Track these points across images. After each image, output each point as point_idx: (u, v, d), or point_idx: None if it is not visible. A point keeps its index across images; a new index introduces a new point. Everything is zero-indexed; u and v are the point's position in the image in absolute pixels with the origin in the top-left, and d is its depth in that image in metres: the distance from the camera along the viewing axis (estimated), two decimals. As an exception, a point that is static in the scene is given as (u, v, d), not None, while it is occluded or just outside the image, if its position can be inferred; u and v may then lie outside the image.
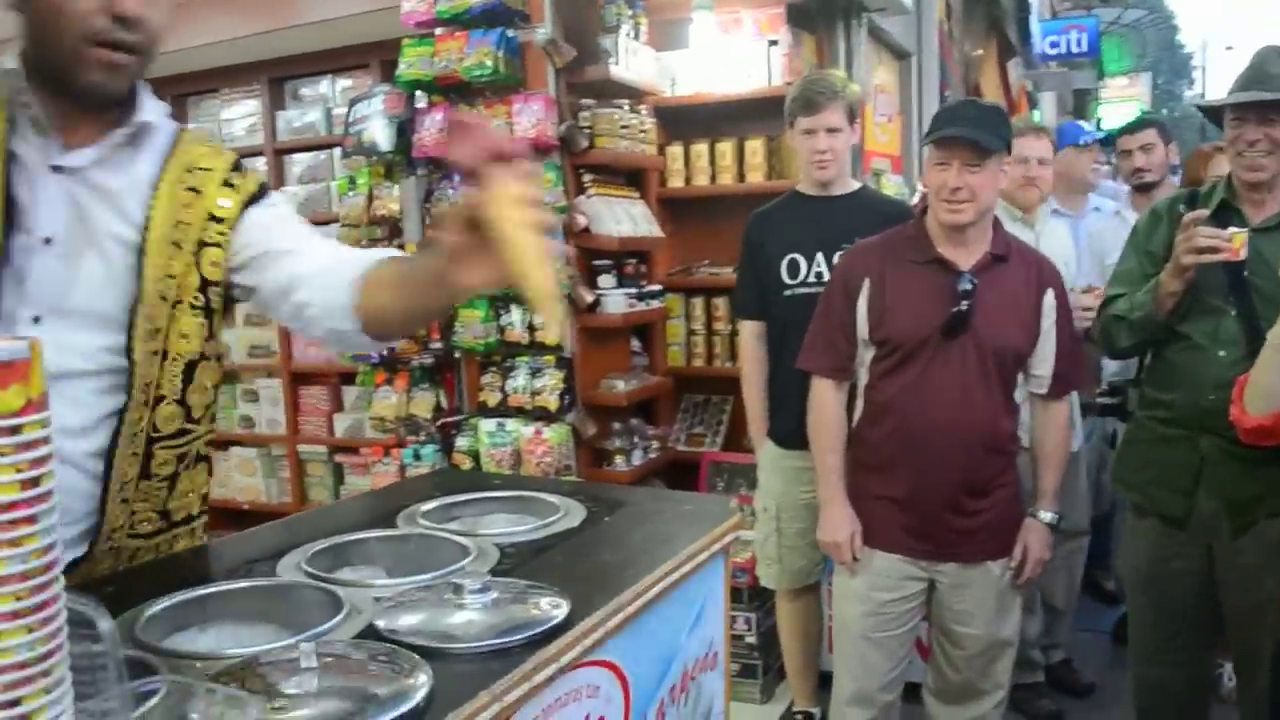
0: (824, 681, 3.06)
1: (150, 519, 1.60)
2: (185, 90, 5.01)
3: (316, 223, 4.64)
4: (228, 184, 1.59)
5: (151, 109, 1.51)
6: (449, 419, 3.74)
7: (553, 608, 1.32)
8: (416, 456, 3.73)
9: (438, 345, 3.72)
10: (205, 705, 0.97)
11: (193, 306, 1.54)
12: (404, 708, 1.05)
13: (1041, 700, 3.39)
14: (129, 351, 1.47)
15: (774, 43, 3.95)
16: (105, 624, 0.80)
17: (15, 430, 0.74)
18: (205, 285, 1.56)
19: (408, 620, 1.29)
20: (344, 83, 4.78)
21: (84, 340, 1.44)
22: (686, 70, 4.13)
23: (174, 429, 1.57)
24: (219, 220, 1.57)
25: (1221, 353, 2.30)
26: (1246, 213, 2.34)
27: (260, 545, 1.71)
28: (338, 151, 4.55)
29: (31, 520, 0.75)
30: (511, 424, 3.61)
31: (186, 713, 0.98)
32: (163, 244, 1.50)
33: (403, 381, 3.83)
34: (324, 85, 4.86)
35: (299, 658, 1.08)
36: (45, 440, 0.76)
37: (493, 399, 3.66)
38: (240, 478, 5.01)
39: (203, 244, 1.55)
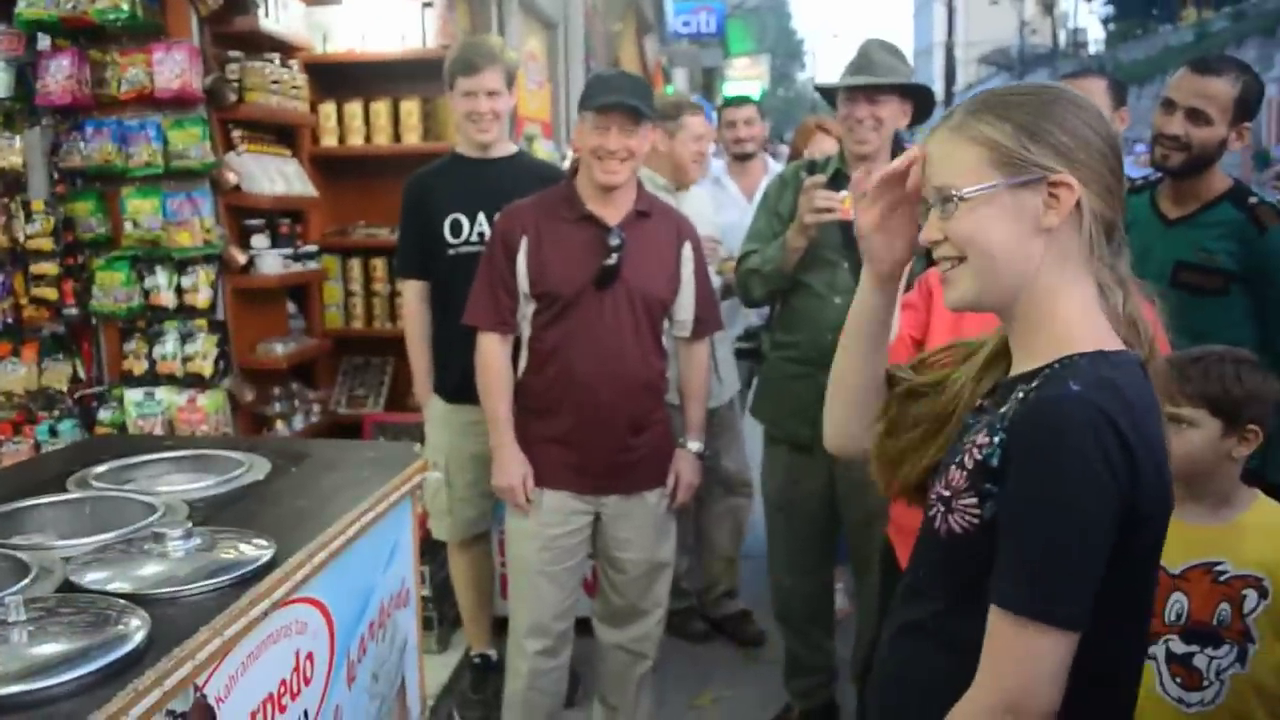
0: (498, 626, 3.23)
1: None
2: None
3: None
4: None
5: None
6: (88, 390, 3.49)
7: (259, 549, 1.36)
8: (53, 433, 3.44)
9: (71, 310, 3.45)
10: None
11: None
12: (124, 649, 1.07)
13: (693, 622, 3.76)
14: None
15: (428, 4, 3.98)
16: None
17: None
18: None
19: (107, 574, 1.28)
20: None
21: None
22: (339, 27, 4.06)
23: None
24: None
25: (837, 299, 2.68)
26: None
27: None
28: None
29: None
30: (161, 392, 3.43)
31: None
32: None
33: (31, 351, 3.50)
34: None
35: (4, 612, 1.06)
36: None
37: (139, 367, 3.45)
38: None
39: None
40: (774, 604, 3.13)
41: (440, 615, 3.47)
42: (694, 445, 2.75)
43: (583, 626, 2.86)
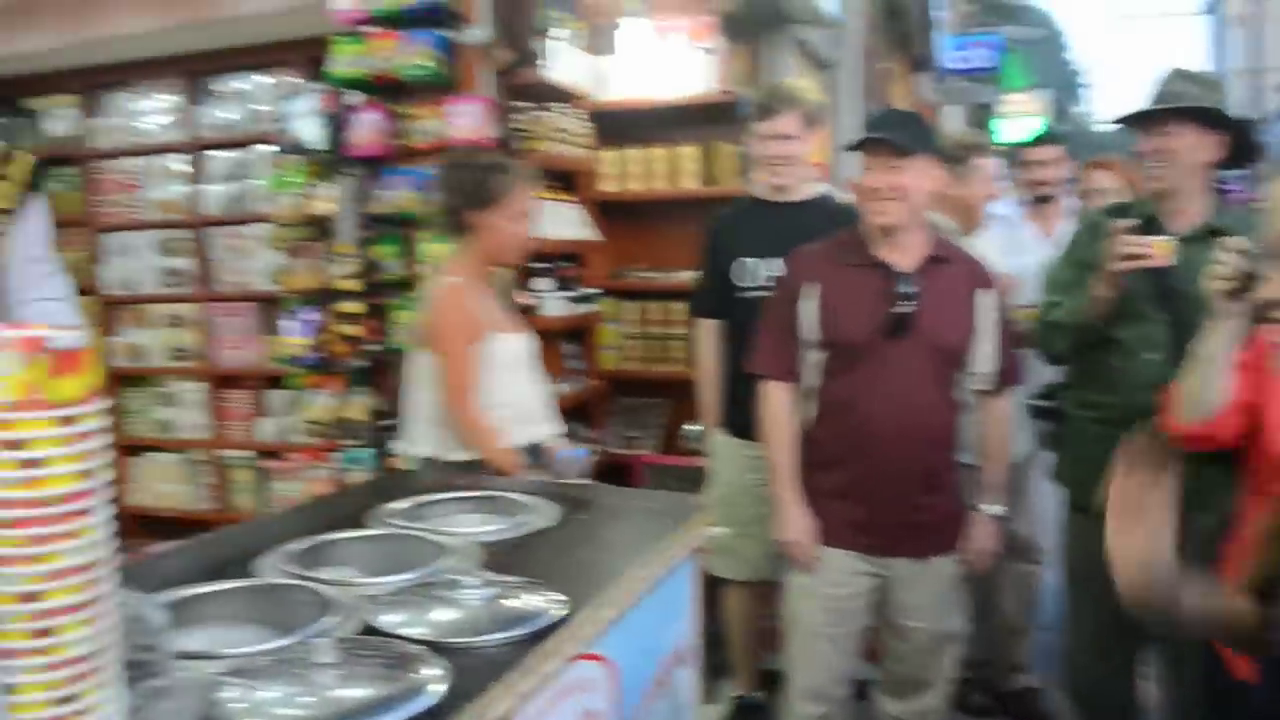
0: (766, 676, 3.11)
1: None
2: (93, 84, 4.81)
3: (243, 221, 4.58)
4: None
5: None
6: (386, 422, 3.69)
7: (552, 602, 1.32)
8: (352, 461, 3.67)
9: (374, 347, 3.67)
10: (233, 697, 0.95)
11: None
12: (428, 702, 1.04)
13: (973, 695, 3.48)
14: None
15: (709, 51, 3.99)
16: (159, 618, 0.78)
17: (74, 420, 0.72)
18: None
19: (405, 616, 1.28)
20: (262, 79, 4.65)
21: None
22: (618, 75, 4.15)
23: None
24: None
25: (1149, 356, 2.41)
26: (1166, 223, 2.45)
27: (224, 549, 1.67)
28: (260, 149, 4.46)
29: (89, 512, 0.73)
30: (449, 427, 3.59)
31: (212, 706, 0.96)
32: None
33: (337, 384, 3.76)
34: (241, 80, 4.72)
35: (313, 653, 1.06)
36: (102, 430, 0.74)
37: (429, 403, 3.63)
38: (158, 484, 4.85)
39: None
40: (1068, 684, 2.83)
41: (708, 664, 3.38)
42: (993, 508, 2.53)
43: (861, 686, 2.70)
